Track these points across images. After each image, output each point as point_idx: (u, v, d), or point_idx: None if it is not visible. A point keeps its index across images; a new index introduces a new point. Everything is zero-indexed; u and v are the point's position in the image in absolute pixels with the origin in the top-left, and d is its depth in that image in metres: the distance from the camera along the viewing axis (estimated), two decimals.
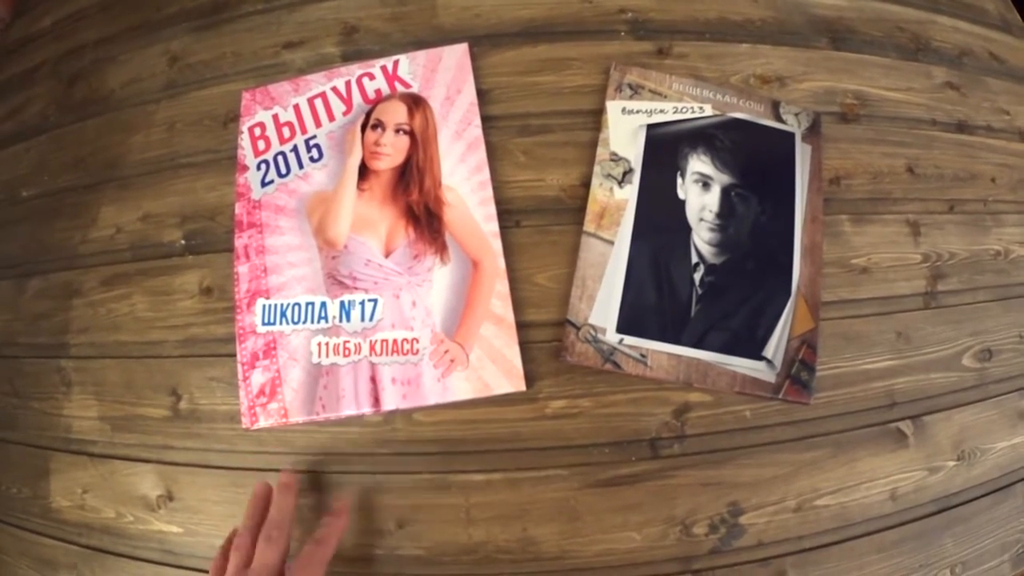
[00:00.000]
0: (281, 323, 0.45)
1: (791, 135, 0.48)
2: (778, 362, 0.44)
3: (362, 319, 0.44)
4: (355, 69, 0.50)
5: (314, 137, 0.48)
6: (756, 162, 0.47)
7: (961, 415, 0.47)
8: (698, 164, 0.47)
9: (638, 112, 0.48)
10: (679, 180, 0.47)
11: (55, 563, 0.49)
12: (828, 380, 0.45)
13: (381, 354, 0.44)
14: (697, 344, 0.43)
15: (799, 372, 0.44)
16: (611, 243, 0.45)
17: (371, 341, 0.44)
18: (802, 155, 0.48)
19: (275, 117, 0.49)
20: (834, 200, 0.49)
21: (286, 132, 0.49)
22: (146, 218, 0.52)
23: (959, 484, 0.46)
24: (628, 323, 0.43)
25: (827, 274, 0.47)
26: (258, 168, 0.48)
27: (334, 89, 0.49)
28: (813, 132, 0.49)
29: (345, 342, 0.44)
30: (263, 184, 0.48)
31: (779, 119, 0.49)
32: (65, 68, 0.60)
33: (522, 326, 0.44)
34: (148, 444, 0.48)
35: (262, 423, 0.44)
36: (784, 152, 0.48)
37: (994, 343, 0.49)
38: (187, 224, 0.50)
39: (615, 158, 0.47)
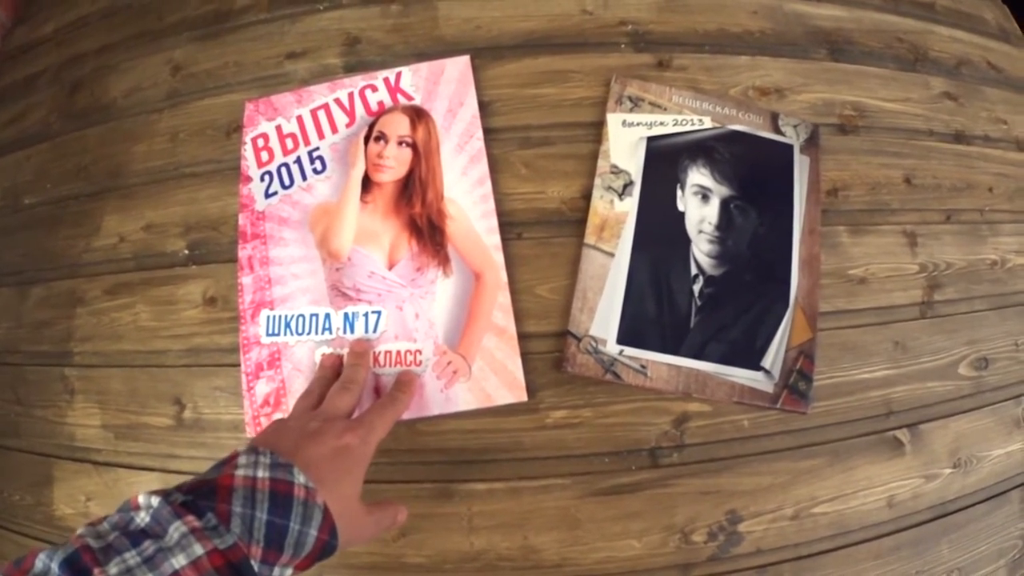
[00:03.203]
0: (285, 334, 0.46)
1: (789, 147, 0.49)
2: (776, 372, 0.44)
3: (366, 331, 0.45)
4: (358, 80, 0.50)
5: (317, 149, 0.48)
6: (755, 174, 0.48)
7: (957, 423, 0.48)
8: (698, 176, 0.47)
9: (638, 124, 0.48)
10: (679, 192, 0.47)
11: None
12: (825, 389, 0.46)
13: (385, 365, 0.44)
14: (696, 355, 0.44)
15: (797, 382, 0.45)
16: (612, 255, 0.45)
17: (375, 352, 0.44)
18: (800, 167, 0.49)
19: (278, 128, 0.50)
20: (832, 211, 0.49)
21: (289, 143, 0.49)
22: (149, 227, 0.52)
23: (955, 491, 0.47)
24: (628, 334, 0.44)
25: (825, 285, 0.47)
26: (261, 179, 0.49)
27: (337, 100, 0.49)
28: (811, 144, 0.49)
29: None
30: (267, 195, 0.48)
31: (778, 131, 0.49)
32: (67, 75, 0.60)
33: (524, 337, 0.45)
34: (152, 453, 0.48)
35: None
36: (783, 164, 0.48)
37: (990, 352, 0.50)
38: (190, 234, 0.51)
39: (615, 170, 0.47)
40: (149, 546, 0.27)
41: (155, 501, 0.28)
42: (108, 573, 0.25)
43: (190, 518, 0.28)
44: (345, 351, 0.44)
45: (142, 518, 0.28)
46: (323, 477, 0.32)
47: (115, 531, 0.28)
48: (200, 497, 0.29)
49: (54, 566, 0.25)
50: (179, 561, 0.26)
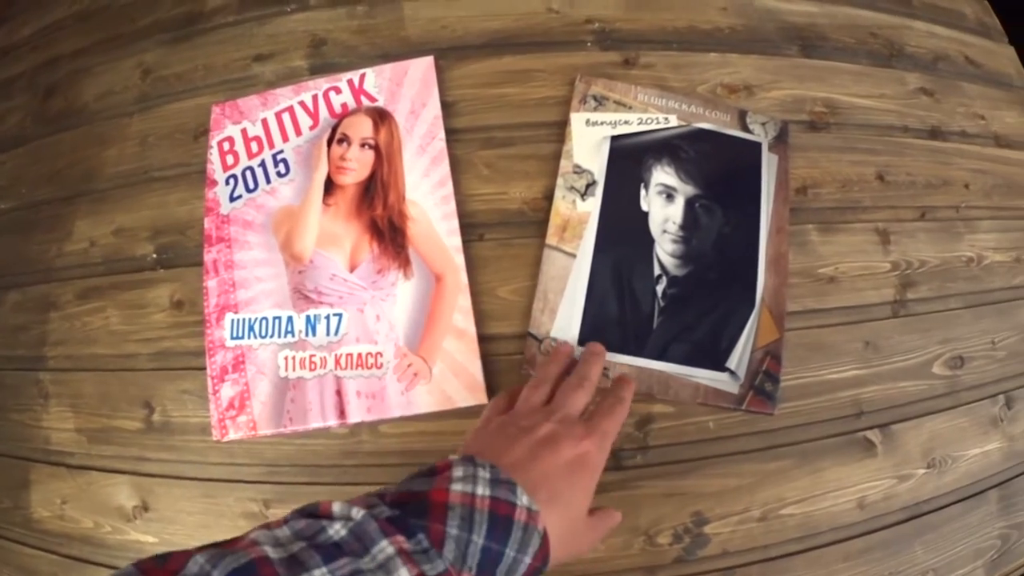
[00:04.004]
0: (249, 337, 0.46)
1: (757, 145, 0.48)
2: (741, 373, 0.44)
3: (327, 333, 0.45)
4: (322, 83, 0.50)
5: (281, 152, 0.48)
6: (721, 173, 0.47)
7: (931, 423, 0.47)
8: (662, 175, 0.47)
9: (602, 124, 0.47)
10: (643, 192, 0.47)
11: (37, 573, 0.49)
12: (793, 390, 0.45)
13: (346, 368, 0.44)
14: (659, 356, 0.44)
15: (763, 383, 0.44)
16: (573, 256, 0.45)
17: (336, 355, 0.44)
18: (768, 165, 0.48)
19: (244, 131, 0.49)
20: (801, 209, 0.49)
21: (254, 147, 0.49)
22: (119, 232, 0.52)
23: (929, 492, 0.46)
24: (590, 336, 0.44)
25: (793, 284, 0.47)
26: (227, 183, 0.49)
27: (301, 103, 0.49)
28: (780, 141, 0.49)
29: (311, 356, 0.45)
30: (231, 199, 0.48)
31: (746, 129, 0.49)
32: (42, 80, 0.61)
33: (484, 339, 0.44)
34: (123, 456, 0.48)
35: (232, 436, 0.45)
36: (750, 162, 0.48)
37: (966, 350, 0.49)
38: (159, 238, 0.51)
39: (578, 170, 0.47)
40: (345, 564, 0.23)
41: (358, 513, 0.25)
42: None
43: (399, 538, 0.24)
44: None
45: (336, 530, 0.25)
46: (558, 493, 0.30)
47: (300, 540, 0.24)
48: (410, 513, 0.26)
49: None
50: None
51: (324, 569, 0.23)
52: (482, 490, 0.27)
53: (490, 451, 0.31)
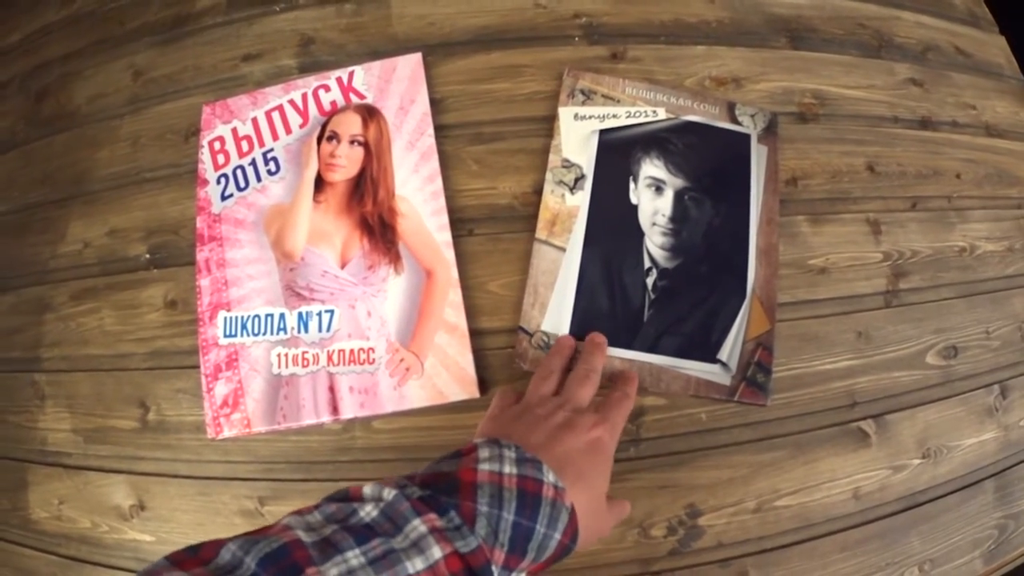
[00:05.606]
0: (242, 335, 0.46)
1: (746, 136, 0.48)
2: (733, 365, 0.44)
3: (319, 330, 0.45)
4: (311, 81, 0.50)
5: (271, 150, 0.49)
6: (710, 165, 0.47)
7: (925, 413, 0.47)
8: (651, 168, 0.47)
9: (590, 118, 0.48)
10: (632, 185, 0.47)
11: (36, 573, 0.50)
12: (786, 381, 0.45)
13: (338, 364, 0.44)
14: (650, 349, 0.44)
15: (755, 374, 0.44)
16: (563, 250, 0.45)
17: (328, 351, 0.44)
18: (757, 156, 0.48)
19: (234, 131, 0.50)
20: (791, 201, 0.49)
21: (244, 146, 0.49)
22: (112, 233, 0.52)
23: (925, 482, 0.46)
24: (580, 329, 0.44)
25: (784, 275, 0.47)
26: (218, 182, 0.49)
27: (291, 102, 0.49)
28: (769, 133, 0.49)
29: (304, 353, 0.45)
30: (223, 198, 0.48)
31: (734, 121, 0.49)
32: (33, 83, 0.61)
33: (475, 334, 0.44)
34: (119, 455, 0.49)
35: (226, 433, 0.45)
36: (739, 154, 0.48)
37: (959, 340, 0.49)
38: (152, 238, 0.51)
39: (567, 164, 0.47)
40: (377, 545, 0.23)
41: (389, 494, 0.25)
42: (325, 575, 0.22)
43: (431, 516, 0.24)
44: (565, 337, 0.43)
45: (368, 511, 0.25)
46: (582, 473, 0.30)
47: (332, 524, 0.24)
48: (441, 492, 0.26)
49: (251, 561, 0.22)
50: (415, 565, 0.23)
51: (357, 551, 0.23)
52: (509, 468, 0.28)
53: (511, 436, 0.31)
